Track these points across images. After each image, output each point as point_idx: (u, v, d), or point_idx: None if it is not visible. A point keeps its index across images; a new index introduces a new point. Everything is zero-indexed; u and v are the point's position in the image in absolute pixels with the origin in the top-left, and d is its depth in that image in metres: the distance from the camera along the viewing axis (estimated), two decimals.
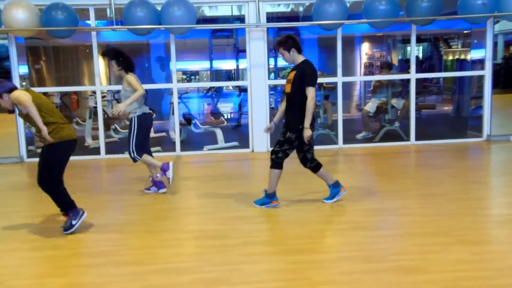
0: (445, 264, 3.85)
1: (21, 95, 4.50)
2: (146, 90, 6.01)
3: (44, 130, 4.51)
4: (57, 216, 5.08)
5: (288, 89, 5.24)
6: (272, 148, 5.38)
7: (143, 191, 6.31)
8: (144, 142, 6.14)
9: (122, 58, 5.95)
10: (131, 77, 5.90)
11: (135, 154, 6.00)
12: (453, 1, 8.36)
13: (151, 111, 6.17)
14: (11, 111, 8.80)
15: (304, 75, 5.11)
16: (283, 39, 5.22)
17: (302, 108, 5.11)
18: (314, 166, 5.38)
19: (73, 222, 4.76)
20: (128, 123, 6.11)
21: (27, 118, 4.65)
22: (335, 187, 5.48)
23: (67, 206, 4.80)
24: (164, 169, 6.08)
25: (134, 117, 5.96)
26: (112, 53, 6.00)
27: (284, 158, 5.27)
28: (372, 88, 10.47)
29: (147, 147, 6.23)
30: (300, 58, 5.24)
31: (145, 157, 6.06)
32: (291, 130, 5.17)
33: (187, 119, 9.70)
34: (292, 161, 5.50)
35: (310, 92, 5.07)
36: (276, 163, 5.27)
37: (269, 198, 5.41)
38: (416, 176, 6.87)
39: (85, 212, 4.85)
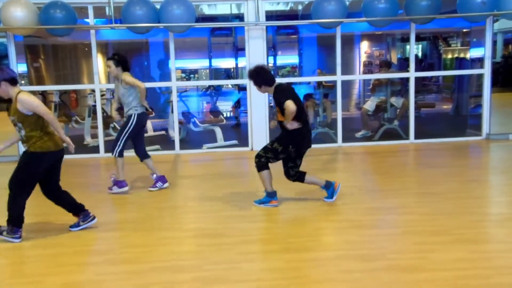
0: (444, 262, 3.85)
1: (36, 100, 4.42)
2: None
3: (61, 132, 4.50)
4: (55, 215, 5.07)
5: (281, 118, 5.23)
6: (257, 152, 5.41)
7: (135, 189, 6.31)
8: (139, 142, 6.19)
9: (121, 59, 6.00)
10: (127, 76, 5.94)
11: (119, 150, 6.01)
12: (452, 0, 8.35)
13: (150, 109, 6.20)
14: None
15: (278, 101, 5.13)
16: (253, 74, 5.19)
17: (295, 129, 5.16)
18: (297, 178, 5.41)
19: (3, 234, 4.58)
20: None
21: (24, 119, 4.44)
22: (328, 188, 5.47)
23: (13, 219, 4.55)
24: (120, 184, 6.12)
25: (135, 114, 5.99)
26: (113, 56, 6.08)
27: (266, 161, 5.31)
28: (371, 86, 10.46)
29: (143, 147, 6.25)
30: (272, 89, 5.23)
31: (120, 160, 6.07)
32: (280, 142, 5.25)
33: (185, 114, 9.71)
34: None
35: (288, 106, 4.93)
36: (260, 166, 5.32)
37: (269, 197, 5.42)
38: (415, 175, 6.87)
39: (20, 239, 4.59)
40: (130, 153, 6.36)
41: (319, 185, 5.49)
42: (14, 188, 4.54)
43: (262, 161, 5.30)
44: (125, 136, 6.01)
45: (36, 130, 4.48)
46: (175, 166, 7.97)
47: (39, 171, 4.57)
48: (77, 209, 4.86)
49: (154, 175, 6.29)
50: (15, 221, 4.57)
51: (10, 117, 4.56)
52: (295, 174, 5.38)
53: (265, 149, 5.33)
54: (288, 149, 5.21)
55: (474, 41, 13.13)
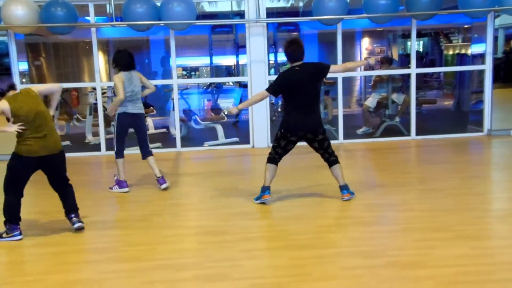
0: (445, 259, 3.85)
1: None
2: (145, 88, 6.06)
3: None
4: (57, 213, 5.08)
5: None
6: None
7: (136, 187, 6.32)
8: (139, 141, 6.15)
9: (116, 57, 5.97)
10: (115, 79, 5.89)
11: (115, 151, 6.06)
12: None
13: (139, 112, 6.09)
14: None
15: None
16: (286, 44, 5.34)
17: (287, 112, 5.28)
18: (329, 162, 5.40)
19: (3, 235, 4.59)
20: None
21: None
22: (341, 191, 5.41)
23: (8, 219, 4.57)
24: (121, 184, 6.12)
25: (116, 114, 6.01)
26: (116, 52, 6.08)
27: (275, 154, 5.32)
28: (373, 83, 10.46)
29: (142, 146, 6.16)
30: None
31: (119, 161, 6.07)
32: (279, 127, 5.33)
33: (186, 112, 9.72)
34: (291, 157, 5.49)
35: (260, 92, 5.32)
36: (267, 158, 5.38)
37: (262, 192, 5.39)
38: (417, 171, 6.87)
39: (21, 236, 4.62)
40: (131, 151, 6.36)
41: (339, 183, 5.42)
42: (4, 188, 4.57)
43: (271, 153, 5.35)
44: (115, 137, 6.04)
45: (17, 134, 4.55)
46: (177, 163, 7.98)
47: (20, 171, 4.57)
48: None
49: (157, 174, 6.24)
50: (11, 220, 4.58)
51: None
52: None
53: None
54: (279, 131, 5.28)
55: (475, 37, 13.10)
